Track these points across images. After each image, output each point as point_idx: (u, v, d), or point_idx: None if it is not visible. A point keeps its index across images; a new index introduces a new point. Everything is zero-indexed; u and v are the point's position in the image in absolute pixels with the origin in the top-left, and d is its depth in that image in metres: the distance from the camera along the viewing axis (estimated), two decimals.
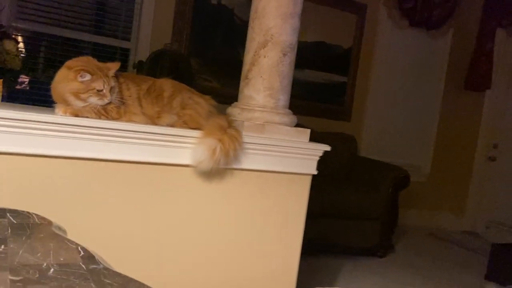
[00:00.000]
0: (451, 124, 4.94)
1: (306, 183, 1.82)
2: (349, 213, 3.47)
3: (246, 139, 1.66)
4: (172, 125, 1.63)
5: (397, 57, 4.67)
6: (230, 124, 1.64)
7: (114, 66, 1.52)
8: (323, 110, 4.38)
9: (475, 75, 4.66)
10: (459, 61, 4.87)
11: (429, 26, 4.65)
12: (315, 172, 1.83)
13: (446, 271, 3.49)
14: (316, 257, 3.28)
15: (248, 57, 1.83)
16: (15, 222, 0.79)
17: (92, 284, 0.58)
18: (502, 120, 4.63)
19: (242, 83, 1.86)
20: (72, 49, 3.34)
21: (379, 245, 3.58)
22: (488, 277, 3.27)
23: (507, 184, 4.50)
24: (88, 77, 1.44)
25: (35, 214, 0.84)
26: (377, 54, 4.55)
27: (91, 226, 1.47)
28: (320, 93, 4.36)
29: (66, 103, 1.46)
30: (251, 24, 1.82)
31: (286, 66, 1.81)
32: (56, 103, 1.48)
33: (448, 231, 4.70)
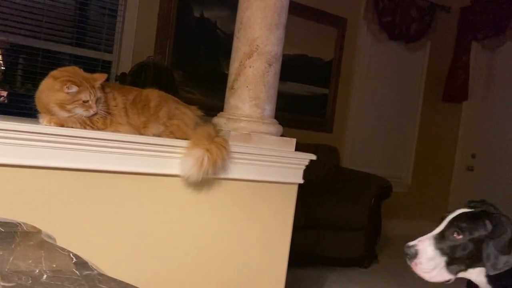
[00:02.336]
0: (430, 135, 5.05)
1: (293, 192, 1.83)
2: (333, 224, 3.48)
3: (233, 149, 1.66)
4: (158, 135, 1.62)
5: (377, 70, 4.77)
6: (217, 133, 1.64)
7: (100, 77, 1.51)
8: (305, 121, 4.42)
9: (452, 87, 4.78)
10: (437, 74, 5.00)
11: (408, 40, 4.76)
12: (301, 181, 1.84)
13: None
14: (301, 268, 3.27)
15: (233, 67, 1.84)
16: (3, 230, 0.77)
17: None
18: (479, 131, 4.75)
19: (227, 93, 1.87)
20: (53, 61, 3.30)
21: (363, 256, 3.59)
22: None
23: (485, 193, 4.59)
24: (75, 89, 1.42)
25: (23, 223, 0.82)
26: (358, 67, 4.64)
27: (79, 236, 1.44)
28: (302, 105, 4.41)
29: (50, 113, 1.44)
30: (236, 34, 1.84)
31: (271, 76, 1.82)
32: (39, 112, 1.46)
33: None
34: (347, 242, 3.56)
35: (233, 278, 1.74)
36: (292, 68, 4.27)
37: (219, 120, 1.85)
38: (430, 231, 1.44)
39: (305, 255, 3.31)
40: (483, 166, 4.66)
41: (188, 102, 1.78)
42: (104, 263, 1.25)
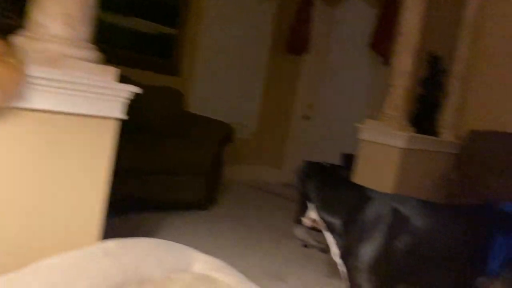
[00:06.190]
0: (275, 85, 5.23)
1: (110, 128, 1.64)
2: (174, 168, 3.41)
3: (35, 74, 1.40)
4: None
5: (227, 18, 4.68)
6: (9, 51, 1.35)
7: None
8: (149, 62, 4.16)
9: (295, 39, 4.96)
10: (283, 26, 5.13)
11: None
12: (122, 116, 1.66)
13: (265, 218, 3.74)
14: (138, 214, 3.14)
15: None
16: None
17: None
18: (317, 82, 5.08)
19: (30, 6, 1.55)
20: None
21: (203, 199, 3.61)
22: (297, 221, 3.61)
23: (319, 140, 5.01)
24: None
25: None
26: (208, 11, 4.49)
27: None
28: (146, 44, 4.12)
29: None
30: None
31: None
32: None
33: (268, 183, 5.05)
34: (188, 186, 3.53)
35: (36, 223, 1.52)
36: (136, 1, 3.92)
37: (19, 39, 1.53)
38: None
39: (141, 200, 3.19)
40: (318, 115, 5.03)
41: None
42: None
